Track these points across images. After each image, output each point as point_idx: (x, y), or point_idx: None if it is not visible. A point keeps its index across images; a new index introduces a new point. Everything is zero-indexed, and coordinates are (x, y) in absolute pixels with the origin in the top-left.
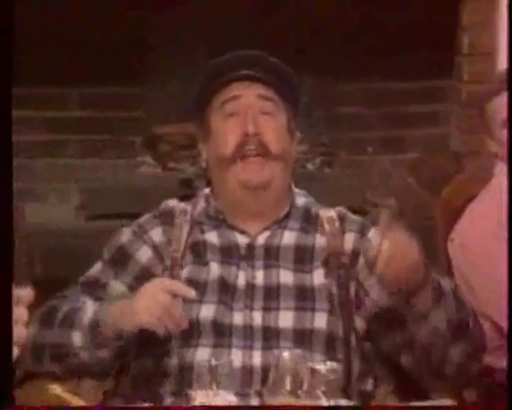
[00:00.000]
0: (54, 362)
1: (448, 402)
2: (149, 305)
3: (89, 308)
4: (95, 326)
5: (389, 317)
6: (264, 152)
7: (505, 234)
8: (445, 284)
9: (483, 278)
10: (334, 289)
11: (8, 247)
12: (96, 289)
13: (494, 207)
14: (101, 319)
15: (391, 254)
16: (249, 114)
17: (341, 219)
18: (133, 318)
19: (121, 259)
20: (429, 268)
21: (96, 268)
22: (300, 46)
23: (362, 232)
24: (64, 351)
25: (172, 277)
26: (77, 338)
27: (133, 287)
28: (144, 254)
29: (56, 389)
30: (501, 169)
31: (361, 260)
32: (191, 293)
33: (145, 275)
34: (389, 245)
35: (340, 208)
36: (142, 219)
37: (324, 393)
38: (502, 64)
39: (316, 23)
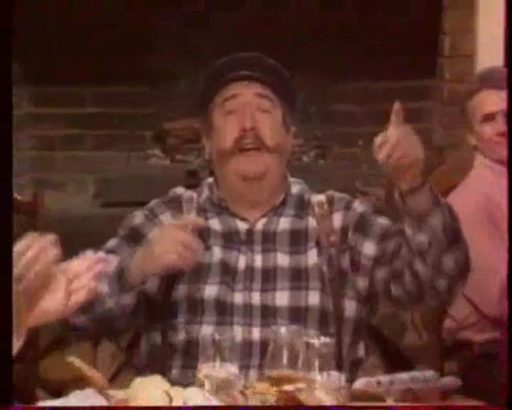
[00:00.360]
0: (82, 313)
1: (430, 373)
2: (167, 244)
3: (113, 261)
4: (120, 274)
5: (378, 257)
6: (260, 145)
7: (484, 220)
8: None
9: None
10: (325, 268)
11: (8, 249)
12: None
13: (474, 196)
14: (125, 267)
15: (397, 141)
16: (247, 111)
17: (330, 201)
18: (155, 261)
19: (134, 238)
20: (428, 172)
21: (112, 243)
22: (298, 49)
23: (348, 207)
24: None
25: None
26: (104, 287)
27: None
28: None
29: (75, 360)
30: (480, 161)
31: (350, 233)
32: (201, 221)
33: None
34: (396, 133)
35: (329, 192)
36: (152, 204)
37: (318, 365)
38: (480, 65)
39: (311, 28)
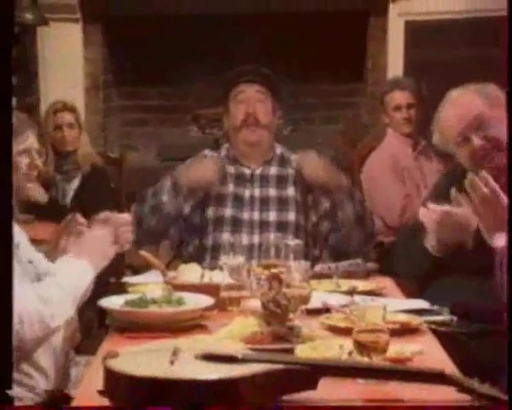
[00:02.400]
0: (153, 216)
1: (360, 261)
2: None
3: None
4: (174, 185)
5: (327, 212)
6: (257, 123)
7: (391, 169)
8: (356, 192)
9: (378, 194)
10: (299, 199)
11: (8, 250)
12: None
13: (385, 155)
14: (176, 179)
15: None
16: (250, 102)
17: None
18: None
19: None
20: (344, 179)
21: None
22: (283, 64)
23: None
24: (159, 207)
25: (207, 193)
26: (164, 196)
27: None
28: None
29: (145, 253)
30: (390, 134)
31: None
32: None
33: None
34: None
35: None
36: (189, 160)
37: (293, 257)
38: (389, 74)
39: (289, 51)
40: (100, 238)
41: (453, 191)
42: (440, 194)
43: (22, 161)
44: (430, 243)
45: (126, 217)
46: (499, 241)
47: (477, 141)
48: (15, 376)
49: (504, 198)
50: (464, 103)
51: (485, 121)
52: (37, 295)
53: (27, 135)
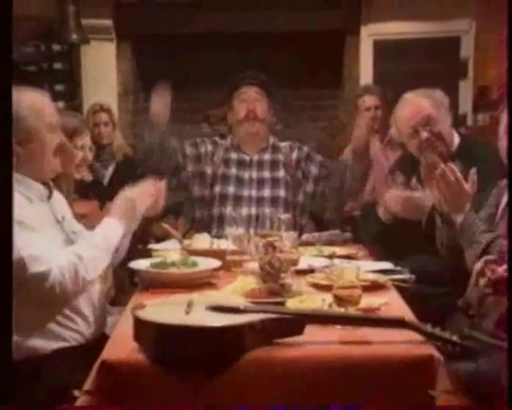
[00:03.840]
0: None
1: (338, 232)
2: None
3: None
4: None
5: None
6: (256, 118)
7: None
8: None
9: None
10: (288, 179)
11: (7, 247)
12: (180, 169)
13: (358, 145)
14: None
15: None
16: (251, 101)
17: (290, 146)
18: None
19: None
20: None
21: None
22: (277, 72)
23: (300, 148)
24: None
25: (214, 173)
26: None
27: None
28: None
29: (166, 226)
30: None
31: (302, 162)
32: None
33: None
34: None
35: (290, 142)
36: (204, 138)
37: (284, 228)
38: (362, 82)
39: (282, 62)
40: (129, 198)
41: (414, 180)
42: (393, 175)
43: (78, 154)
44: (380, 212)
45: (163, 184)
46: (459, 219)
47: (424, 134)
48: (62, 320)
49: (466, 185)
50: (416, 104)
51: (432, 120)
52: (73, 253)
53: (86, 134)
